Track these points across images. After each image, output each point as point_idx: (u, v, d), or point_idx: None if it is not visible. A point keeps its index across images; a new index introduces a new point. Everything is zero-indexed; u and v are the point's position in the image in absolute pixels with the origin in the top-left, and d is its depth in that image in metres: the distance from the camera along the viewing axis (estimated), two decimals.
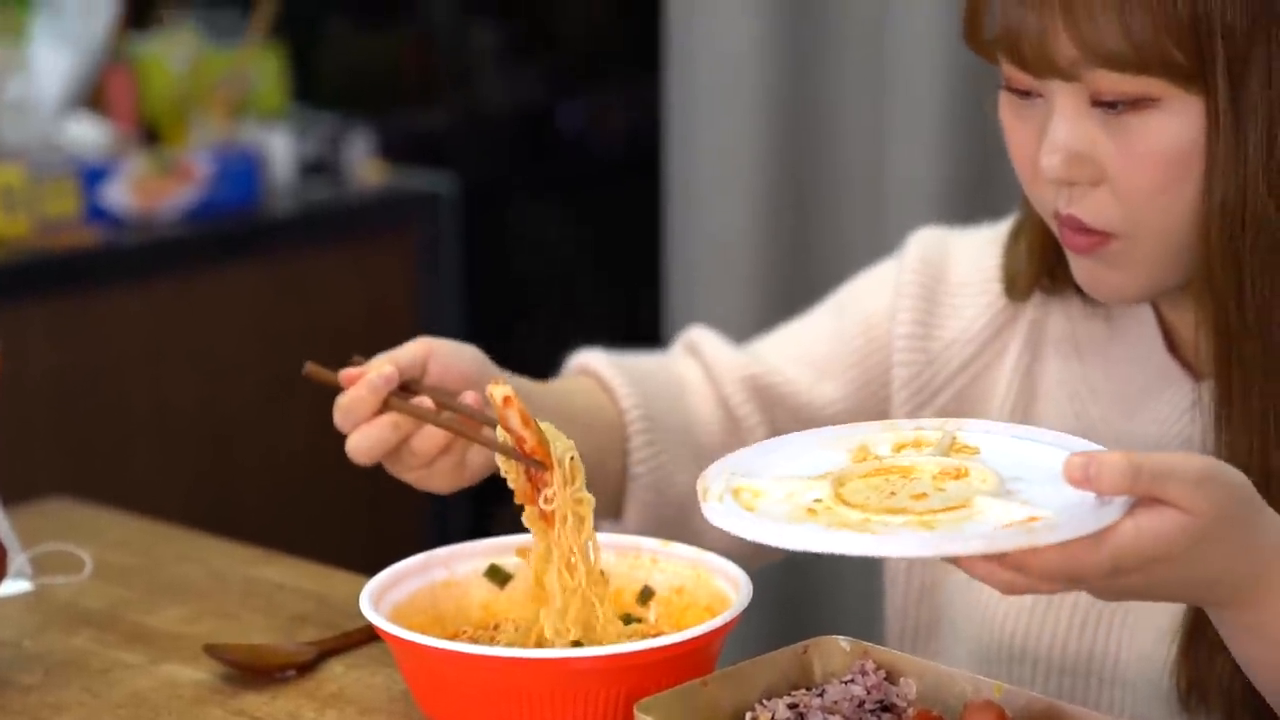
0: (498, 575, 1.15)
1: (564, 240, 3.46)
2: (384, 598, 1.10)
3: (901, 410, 1.30)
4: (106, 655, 1.21)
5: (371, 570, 1.14)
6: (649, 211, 2.38)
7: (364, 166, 2.80)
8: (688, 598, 1.12)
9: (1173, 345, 1.20)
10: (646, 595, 1.14)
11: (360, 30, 3.44)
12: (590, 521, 1.08)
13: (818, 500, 0.93)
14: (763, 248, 2.17)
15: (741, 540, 0.92)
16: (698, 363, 1.38)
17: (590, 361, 1.36)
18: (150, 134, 2.68)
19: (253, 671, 1.16)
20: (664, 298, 2.28)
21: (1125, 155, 1.07)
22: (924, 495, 0.93)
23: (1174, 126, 1.05)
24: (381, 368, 1.15)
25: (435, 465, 1.16)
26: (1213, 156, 1.05)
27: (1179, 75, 1.04)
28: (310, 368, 1.16)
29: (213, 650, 1.18)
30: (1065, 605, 1.20)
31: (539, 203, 3.47)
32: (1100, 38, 1.03)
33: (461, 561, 1.15)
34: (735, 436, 1.34)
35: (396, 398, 1.14)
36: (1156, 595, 0.95)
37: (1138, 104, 1.05)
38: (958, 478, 0.95)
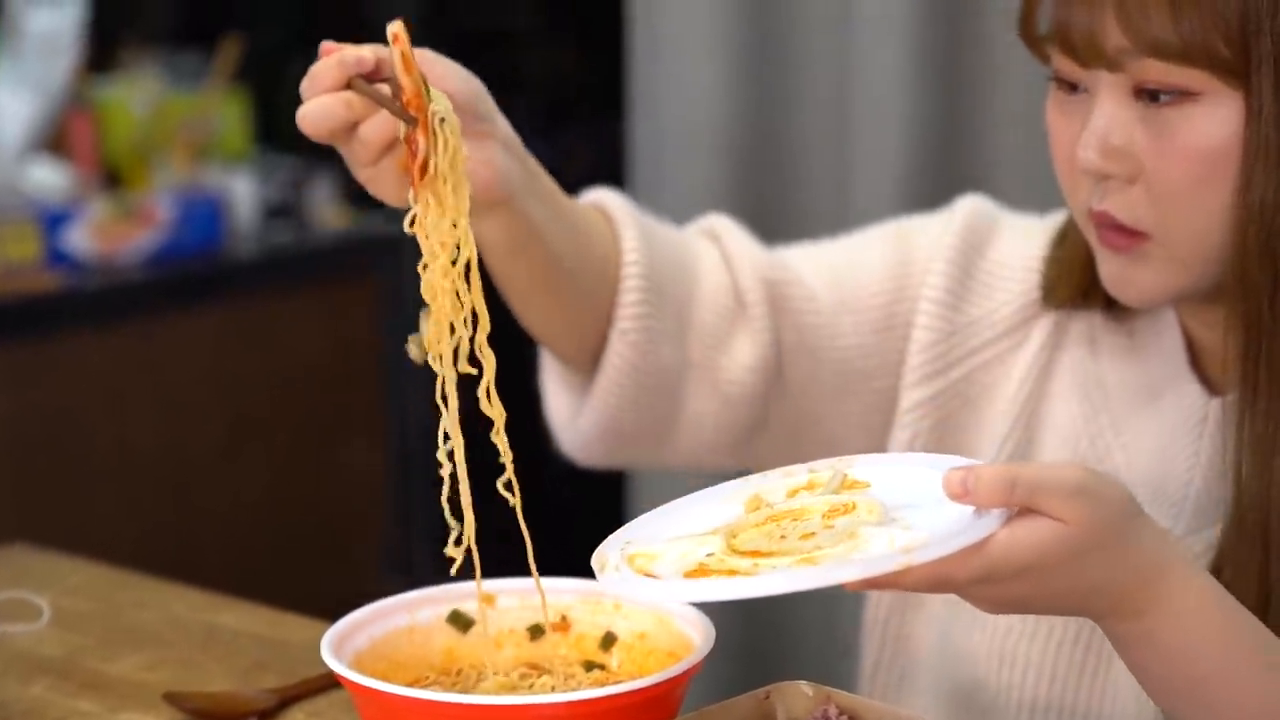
0: (459, 621, 1.14)
1: None
2: (345, 644, 1.09)
3: (915, 374, 1.28)
4: (64, 704, 1.19)
5: (333, 616, 1.13)
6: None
7: (327, 210, 2.79)
8: (650, 643, 1.12)
9: (1194, 359, 1.20)
10: (609, 641, 1.13)
11: None
12: (467, 190, 1.06)
13: (710, 554, 0.94)
14: None
15: None
16: (717, 248, 1.33)
17: (607, 201, 1.30)
18: (112, 178, 2.67)
19: (213, 719, 1.15)
20: None
21: (1162, 149, 1.08)
22: (813, 534, 0.94)
23: (1213, 122, 1.06)
24: (360, 49, 1.10)
25: (382, 164, 1.12)
26: (1252, 154, 1.06)
27: (1224, 70, 1.05)
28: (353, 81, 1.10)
29: (172, 698, 1.17)
30: (1050, 644, 1.20)
31: None
32: (1150, 28, 1.05)
33: (423, 607, 1.14)
34: (737, 328, 1.29)
35: (361, 81, 1.09)
36: (1036, 606, 0.96)
37: (1178, 99, 1.07)
38: (845, 513, 0.96)
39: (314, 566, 2.65)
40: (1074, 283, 1.23)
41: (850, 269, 1.32)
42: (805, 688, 1.01)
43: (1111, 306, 1.22)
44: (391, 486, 2.77)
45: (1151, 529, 0.95)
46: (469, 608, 1.14)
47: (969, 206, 1.32)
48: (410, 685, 1.07)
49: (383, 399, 2.78)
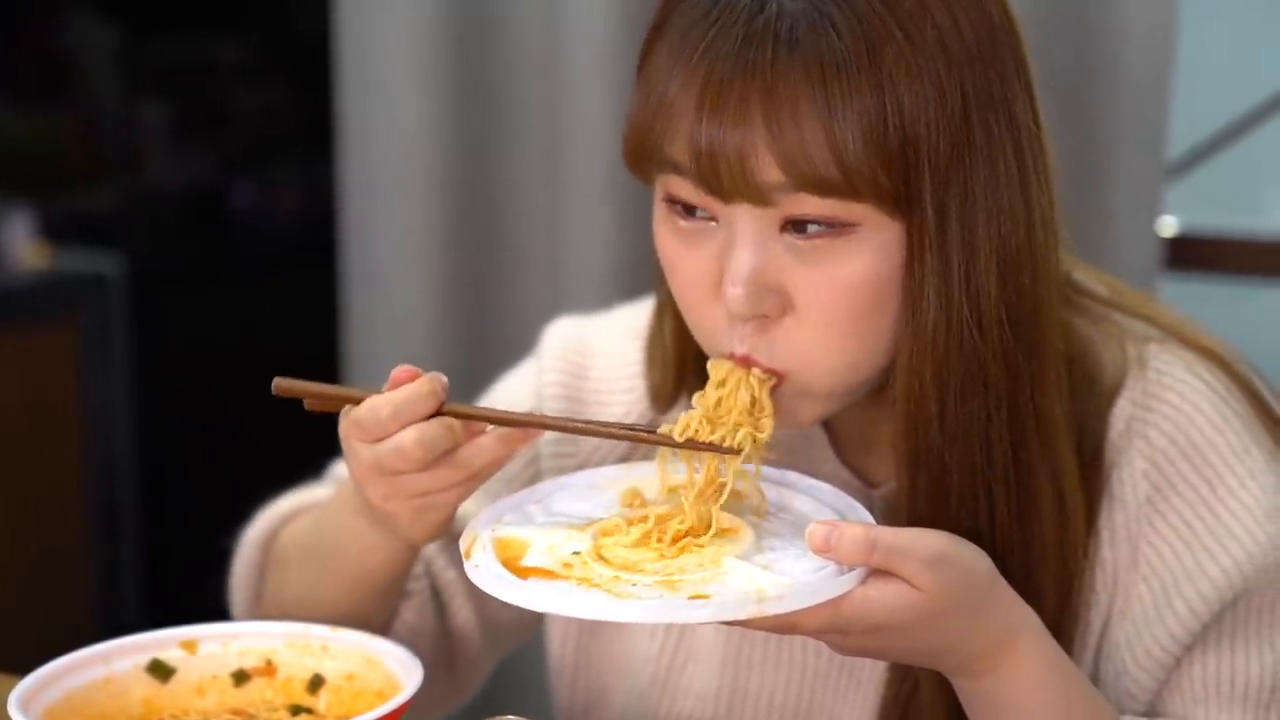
0: (160, 670, 1.10)
1: (239, 322, 3.39)
2: (35, 699, 1.05)
3: None
4: None
5: (28, 670, 1.08)
6: (326, 291, 2.35)
7: (24, 248, 2.70)
8: (359, 684, 1.10)
9: (835, 443, 1.16)
10: (317, 684, 1.11)
11: (18, 108, 3.32)
12: None
13: (576, 553, 0.96)
14: (443, 327, 2.16)
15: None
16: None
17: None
18: None
19: None
20: (345, 378, 2.25)
21: (820, 284, 1.00)
22: (680, 544, 0.97)
23: (872, 254, 0.99)
24: (437, 375, 1.03)
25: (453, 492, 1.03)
26: (920, 282, 1.00)
27: (885, 200, 0.98)
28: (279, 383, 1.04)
29: None
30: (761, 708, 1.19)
31: (212, 284, 3.40)
32: (808, 159, 0.96)
33: (121, 657, 1.10)
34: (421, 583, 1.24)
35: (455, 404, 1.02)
36: (888, 657, 1.01)
37: (834, 231, 0.99)
38: (718, 535, 0.99)
39: (15, 622, 2.55)
40: (674, 382, 1.16)
41: None
42: None
43: None
44: (95, 534, 2.67)
45: (1006, 596, 0.98)
46: (170, 656, 1.11)
47: (555, 335, 1.26)
48: None
49: (85, 443, 2.69)
